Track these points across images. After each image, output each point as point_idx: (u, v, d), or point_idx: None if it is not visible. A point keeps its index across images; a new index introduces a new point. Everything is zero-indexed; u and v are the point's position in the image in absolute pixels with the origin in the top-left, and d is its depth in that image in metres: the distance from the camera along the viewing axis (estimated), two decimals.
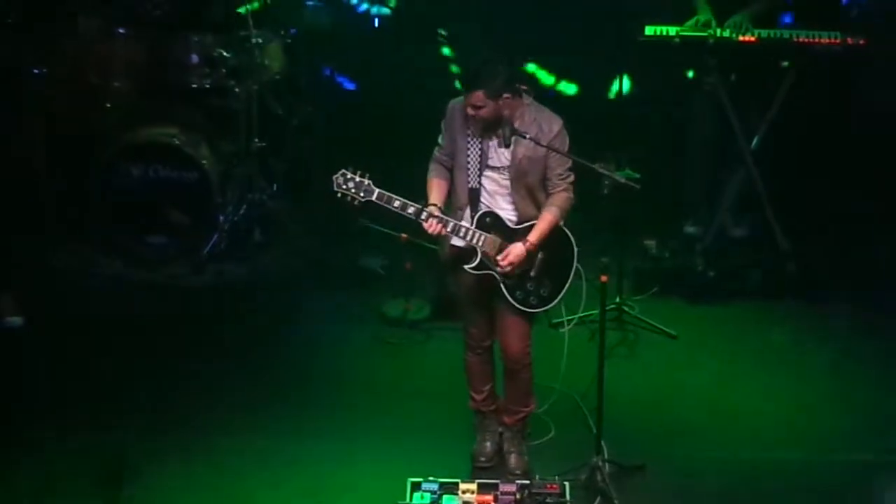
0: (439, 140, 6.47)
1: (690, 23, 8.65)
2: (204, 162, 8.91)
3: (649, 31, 8.67)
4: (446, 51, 11.24)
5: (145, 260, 8.90)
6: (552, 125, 6.32)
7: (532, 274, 6.35)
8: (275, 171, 9.68)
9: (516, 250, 6.28)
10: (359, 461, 6.71)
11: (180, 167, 8.90)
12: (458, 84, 11.28)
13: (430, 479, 6.26)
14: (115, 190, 8.90)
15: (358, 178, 6.21)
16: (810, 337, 8.32)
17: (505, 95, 6.21)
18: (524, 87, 6.35)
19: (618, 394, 6.89)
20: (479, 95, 6.17)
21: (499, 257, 6.27)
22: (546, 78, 10.88)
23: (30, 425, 6.95)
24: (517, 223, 6.34)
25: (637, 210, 8.29)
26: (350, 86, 11.00)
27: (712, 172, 9.37)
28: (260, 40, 9.38)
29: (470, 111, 6.22)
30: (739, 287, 8.77)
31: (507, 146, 6.24)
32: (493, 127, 6.27)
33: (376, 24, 11.26)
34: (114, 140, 9.04)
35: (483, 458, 6.73)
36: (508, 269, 6.27)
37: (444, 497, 6.18)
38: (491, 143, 6.30)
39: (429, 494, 6.19)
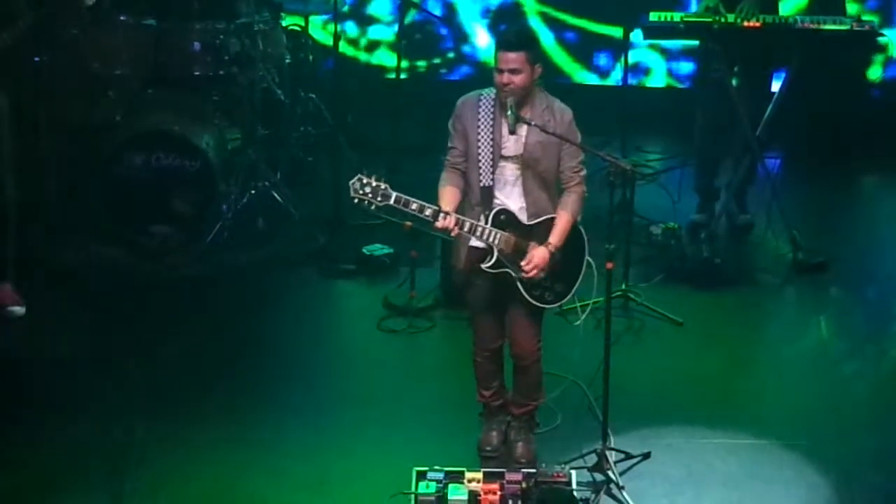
0: (449, 143, 6.32)
1: (699, 9, 8.64)
2: (207, 150, 8.87)
3: (654, 16, 8.64)
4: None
5: (148, 249, 8.85)
6: (563, 115, 6.22)
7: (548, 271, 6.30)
8: (279, 159, 9.64)
9: (539, 254, 6.18)
10: (363, 450, 6.68)
11: (183, 156, 8.84)
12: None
13: (436, 468, 6.22)
14: (118, 179, 8.85)
15: (374, 183, 6.01)
16: (818, 323, 8.28)
17: (538, 66, 6.12)
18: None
19: (624, 381, 6.84)
20: (520, 57, 6.03)
21: (522, 263, 6.17)
22: None
23: (32, 417, 6.90)
24: (531, 219, 6.25)
25: (642, 196, 8.24)
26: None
27: (718, 159, 9.35)
28: (263, 27, 9.35)
29: (504, 78, 6.04)
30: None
31: (512, 132, 6.11)
32: (520, 104, 6.11)
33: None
34: (116, 129, 9.00)
35: (489, 448, 6.68)
36: (533, 273, 6.18)
37: (450, 486, 6.12)
38: (504, 133, 6.16)
39: (434, 483, 6.14)
